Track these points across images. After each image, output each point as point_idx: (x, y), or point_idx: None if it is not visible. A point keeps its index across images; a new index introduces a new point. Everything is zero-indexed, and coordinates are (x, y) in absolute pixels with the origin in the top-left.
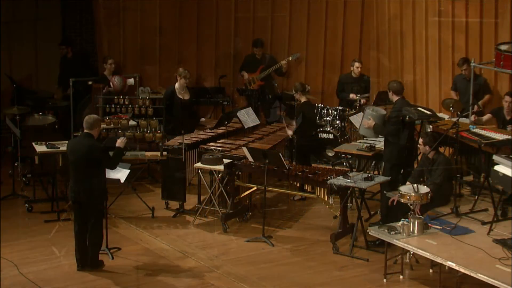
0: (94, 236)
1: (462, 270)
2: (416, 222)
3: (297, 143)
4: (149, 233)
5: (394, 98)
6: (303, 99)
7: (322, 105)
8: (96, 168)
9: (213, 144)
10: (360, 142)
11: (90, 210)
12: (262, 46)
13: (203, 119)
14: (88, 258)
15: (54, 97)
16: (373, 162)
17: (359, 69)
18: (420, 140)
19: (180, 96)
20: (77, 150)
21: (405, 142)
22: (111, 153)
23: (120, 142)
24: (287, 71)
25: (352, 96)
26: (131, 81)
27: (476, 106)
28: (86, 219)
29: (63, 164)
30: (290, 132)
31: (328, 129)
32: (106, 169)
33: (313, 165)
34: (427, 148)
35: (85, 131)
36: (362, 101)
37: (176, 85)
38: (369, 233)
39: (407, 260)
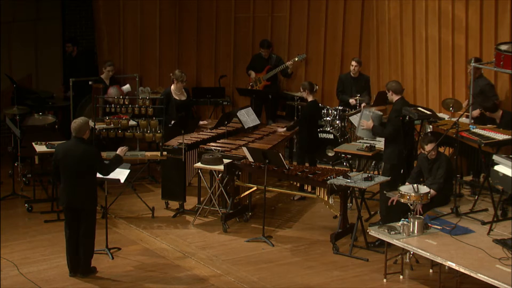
0: (86, 242)
1: (462, 270)
2: (416, 222)
3: (302, 143)
4: (149, 233)
5: (394, 98)
6: (310, 98)
7: (322, 105)
8: (90, 173)
9: (213, 144)
10: (360, 142)
11: (83, 216)
12: (269, 47)
13: (204, 122)
14: (80, 264)
15: (54, 96)
16: (373, 162)
17: (354, 68)
18: (428, 147)
19: (176, 97)
20: (70, 155)
21: (405, 142)
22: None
23: (121, 150)
24: (293, 72)
25: (351, 101)
26: (127, 87)
27: (477, 110)
28: (79, 225)
29: None
30: (281, 130)
31: (328, 129)
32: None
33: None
34: (433, 152)
35: (75, 136)
36: (362, 105)
37: (172, 87)
38: (369, 233)
39: (407, 260)
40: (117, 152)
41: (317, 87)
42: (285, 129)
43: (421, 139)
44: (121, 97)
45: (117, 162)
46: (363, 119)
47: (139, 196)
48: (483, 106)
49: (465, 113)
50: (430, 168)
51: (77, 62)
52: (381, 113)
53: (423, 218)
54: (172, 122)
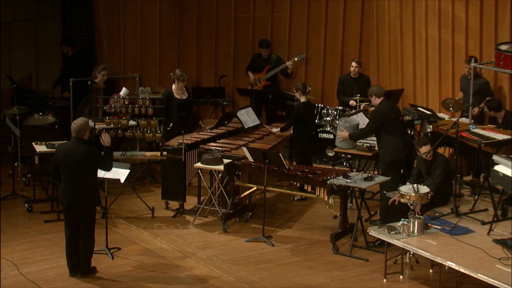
0: (86, 242)
1: (462, 270)
2: (416, 222)
3: (296, 143)
4: (149, 233)
5: (377, 101)
6: (303, 99)
7: (322, 105)
8: (90, 173)
9: (213, 144)
10: (360, 142)
11: (83, 216)
12: (268, 46)
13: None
14: (80, 264)
15: (53, 96)
16: (373, 162)
17: (354, 69)
18: (423, 149)
19: (178, 97)
20: (71, 155)
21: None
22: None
23: (105, 142)
24: (293, 72)
25: (352, 103)
26: (124, 92)
27: (476, 108)
28: (79, 225)
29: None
30: (275, 130)
31: (328, 129)
32: (106, 169)
33: (313, 165)
34: (429, 156)
35: (75, 136)
36: (362, 106)
37: (173, 86)
38: (369, 233)
39: (407, 260)
40: (104, 144)
41: (309, 88)
42: (278, 129)
43: (416, 142)
44: (121, 97)
45: (110, 153)
46: (338, 131)
47: (139, 196)
48: (487, 105)
49: (463, 112)
50: (428, 169)
51: (73, 62)
52: (358, 122)
53: (423, 218)
54: (171, 124)
